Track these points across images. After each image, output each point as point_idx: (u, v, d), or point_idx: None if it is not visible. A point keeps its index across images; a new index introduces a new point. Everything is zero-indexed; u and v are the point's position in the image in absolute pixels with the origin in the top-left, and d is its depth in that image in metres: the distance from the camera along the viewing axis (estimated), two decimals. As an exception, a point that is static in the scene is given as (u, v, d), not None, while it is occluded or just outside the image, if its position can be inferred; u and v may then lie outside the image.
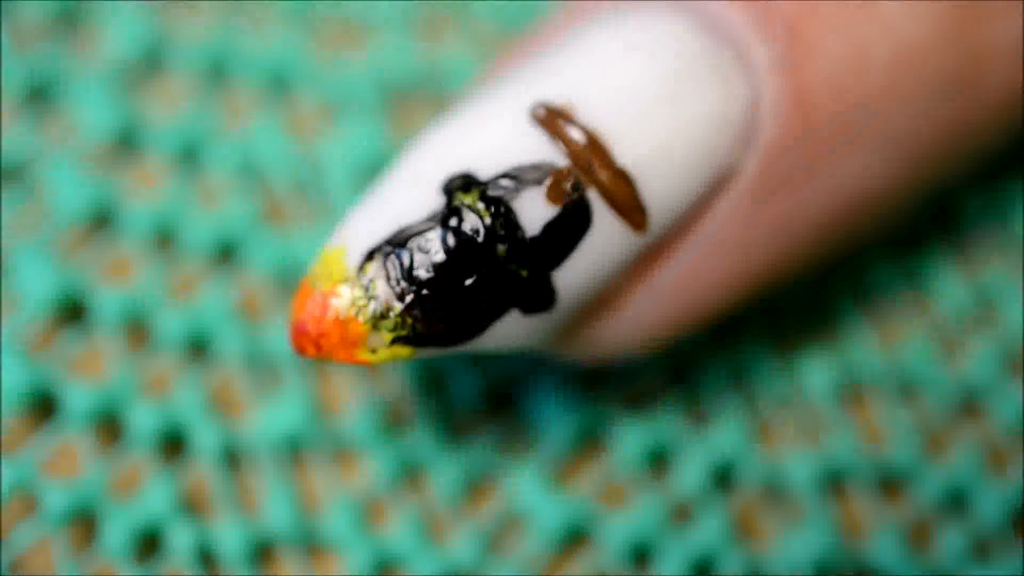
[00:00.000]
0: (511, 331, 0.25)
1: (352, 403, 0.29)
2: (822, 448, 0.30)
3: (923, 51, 0.26)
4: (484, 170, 0.24)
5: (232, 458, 0.29)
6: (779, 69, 0.26)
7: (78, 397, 0.28)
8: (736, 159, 0.26)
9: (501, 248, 0.24)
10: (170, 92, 0.31)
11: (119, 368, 0.29)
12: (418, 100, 0.31)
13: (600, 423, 0.30)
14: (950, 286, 0.31)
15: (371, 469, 0.29)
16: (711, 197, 0.26)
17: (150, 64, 0.31)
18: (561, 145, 0.24)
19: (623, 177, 0.25)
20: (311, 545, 0.28)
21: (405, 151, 0.25)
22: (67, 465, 0.28)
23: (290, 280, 0.30)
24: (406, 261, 0.24)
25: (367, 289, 0.24)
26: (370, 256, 0.24)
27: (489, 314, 0.24)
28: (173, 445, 0.29)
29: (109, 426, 0.28)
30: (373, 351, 0.24)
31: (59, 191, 0.29)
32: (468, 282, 0.24)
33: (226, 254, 0.30)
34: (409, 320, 0.24)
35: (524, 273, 0.24)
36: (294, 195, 0.30)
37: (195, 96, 0.31)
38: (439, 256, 0.24)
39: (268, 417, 0.29)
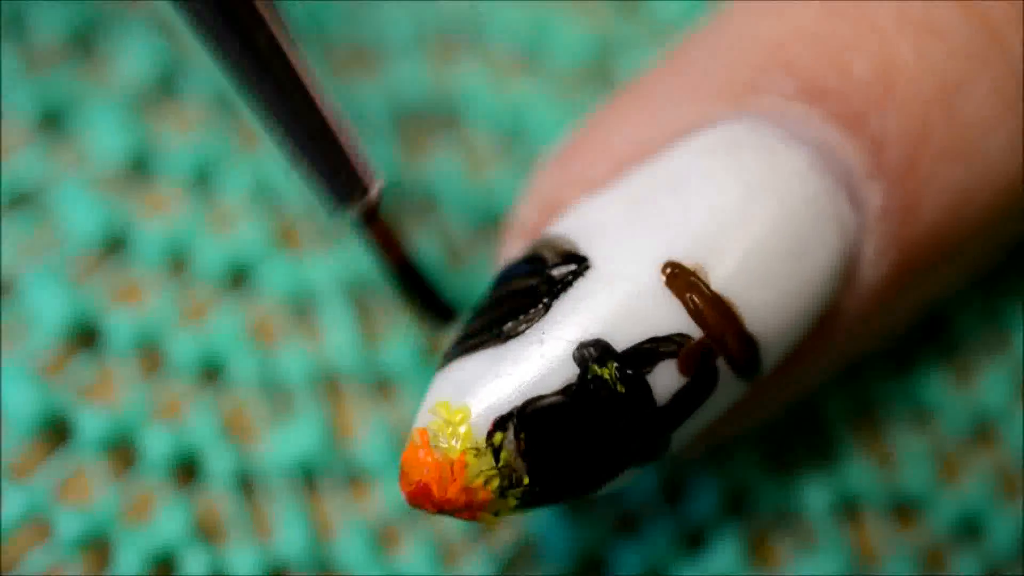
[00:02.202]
0: (622, 480, 0.25)
1: (366, 429, 0.29)
2: (836, 474, 0.30)
3: (1017, 188, 0.26)
4: (619, 341, 0.24)
5: (246, 483, 0.29)
6: (888, 216, 0.26)
7: (91, 422, 0.28)
8: (837, 299, 0.26)
9: (632, 419, 0.24)
10: (183, 116, 0.31)
11: (132, 393, 0.29)
12: (431, 123, 0.31)
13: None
14: (964, 312, 0.31)
15: (385, 495, 0.29)
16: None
17: (163, 89, 0.31)
18: (694, 314, 0.24)
19: (752, 344, 0.24)
20: (325, 571, 0.28)
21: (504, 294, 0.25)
22: (80, 490, 0.28)
23: (303, 304, 0.30)
24: (537, 433, 0.23)
25: (497, 460, 0.23)
26: (498, 423, 0.23)
27: (610, 474, 0.24)
28: (187, 470, 0.28)
29: (122, 451, 0.28)
30: (496, 513, 0.24)
31: (72, 215, 0.29)
32: (596, 450, 0.24)
33: (239, 278, 0.30)
34: (537, 489, 0.24)
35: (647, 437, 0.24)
36: (306, 218, 0.30)
37: (208, 120, 0.31)
38: (572, 430, 0.24)
39: (282, 442, 0.29)
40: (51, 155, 0.30)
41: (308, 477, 0.29)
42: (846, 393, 0.30)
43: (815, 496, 0.30)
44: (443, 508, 0.24)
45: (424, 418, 0.24)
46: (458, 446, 0.23)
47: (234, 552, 0.28)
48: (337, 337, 0.30)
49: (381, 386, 0.30)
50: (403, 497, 0.24)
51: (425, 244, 0.30)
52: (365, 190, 0.23)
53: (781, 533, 0.30)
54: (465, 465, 0.23)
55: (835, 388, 0.30)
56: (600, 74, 0.32)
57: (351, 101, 0.31)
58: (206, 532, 0.28)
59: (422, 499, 0.24)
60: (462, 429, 0.23)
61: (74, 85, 0.30)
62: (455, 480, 0.23)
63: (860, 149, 0.26)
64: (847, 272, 0.26)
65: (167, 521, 0.28)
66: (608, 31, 0.33)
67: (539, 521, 0.29)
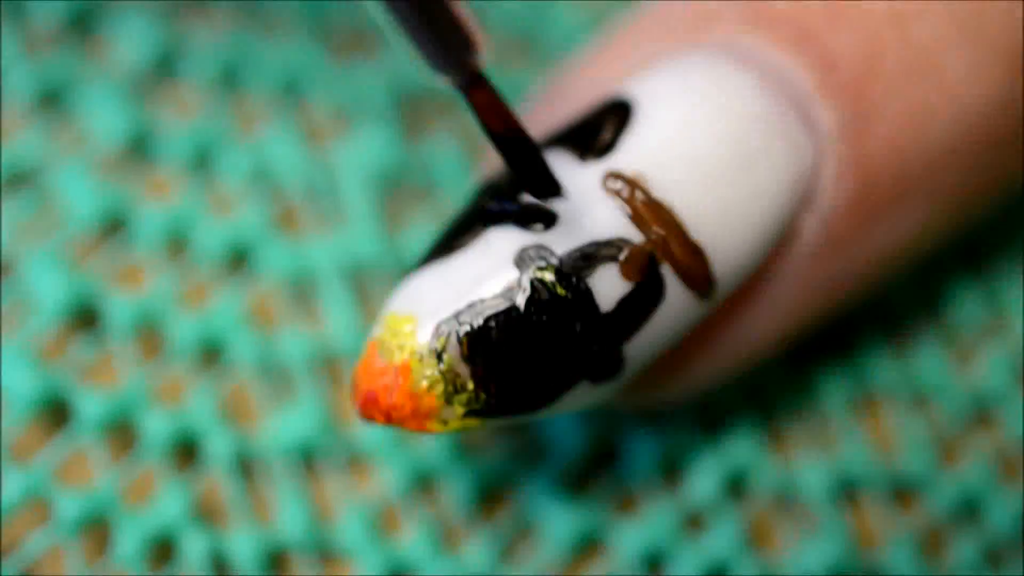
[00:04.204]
0: (578, 399, 0.25)
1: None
2: (835, 457, 0.30)
3: (982, 114, 0.26)
4: (559, 244, 0.24)
5: (245, 466, 0.29)
6: (844, 135, 0.26)
7: (91, 404, 0.28)
8: (796, 220, 0.26)
9: (577, 325, 0.24)
10: (183, 99, 0.31)
11: (132, 375, 0.29)
12: (431, 107, 0.31)
13: (614, 431, 0.30)
14: (963, 295, 0.31)
15: (385, 477, 0.29)
16: (770, 259, 0.26)
17: (163, 70, 0.31)
18: (635, 219, 0.24)
19: (698, 252, 0.24)
20: (324, 553, 0.28)
21: (468, 215, 0.25)
22: (80, 472, 0.28)
23: (303, 287, 0.30)
24: (479, 336, 0.24)
25: (440, 363, 0.24)
26: (441, 329, 0.24)
27: (560, 387, 0.24)
28: (186, 452, 0.28)
29: (122, 433, 0.28)
30: (444, 423, 0.24)
31: (71, 197, 0.29)
32: (542, 358, 0.24)
33: (239, 261, 0.30)
34: (483, 395, 0.24)
35: (596, 347, 0.24)
36: (307, 201, 0.30)
37: (208, 103, 0.31)
38: (515, 334, 0.24)
39: (282, 425, 0.29)
40: (50, 137, 0.30)
41: (308, 459, 0.29)
42: (844, 375, 0.31)
43: (814, 479, 0.30)
44: (391, 416, 0.24)
45: (375, 331, 0.24)
46: (404, 353, 0.24)
47: (234, 534, 0.28)
48: (337, 320, 0.30)
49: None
50: (356, 411, 0.24)
51: (425, 226, 0.31)
52: (472, 52, 0.23)
53: (780, 516, 0.30)
54: (409, 370, 0.24)
55: (833, 369, 0.30)
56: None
57: (351, 84, 0.31)
58: (206, 514, 0.28)
59: (371, 408, 0.24)
60: (407, 337, 0.24)
61: (73, 67, 0.30)
62: (400, 385, 0.24)
63: (811, 69, 0.26)
64: (804, 192, 0.26)
65: (167, 503, 0.28)
66: (606, 16, 0.33)
67: (539, 503, 0.29)
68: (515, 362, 0.24)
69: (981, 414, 0.31)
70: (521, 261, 0.24)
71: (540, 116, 0.27)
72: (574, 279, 0.24)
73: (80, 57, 0.30)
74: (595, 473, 0.30)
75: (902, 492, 0.30)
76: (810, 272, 0.27)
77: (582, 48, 0.29)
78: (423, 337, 0.24)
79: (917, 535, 0.30)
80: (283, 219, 0.30)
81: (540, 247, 0.24)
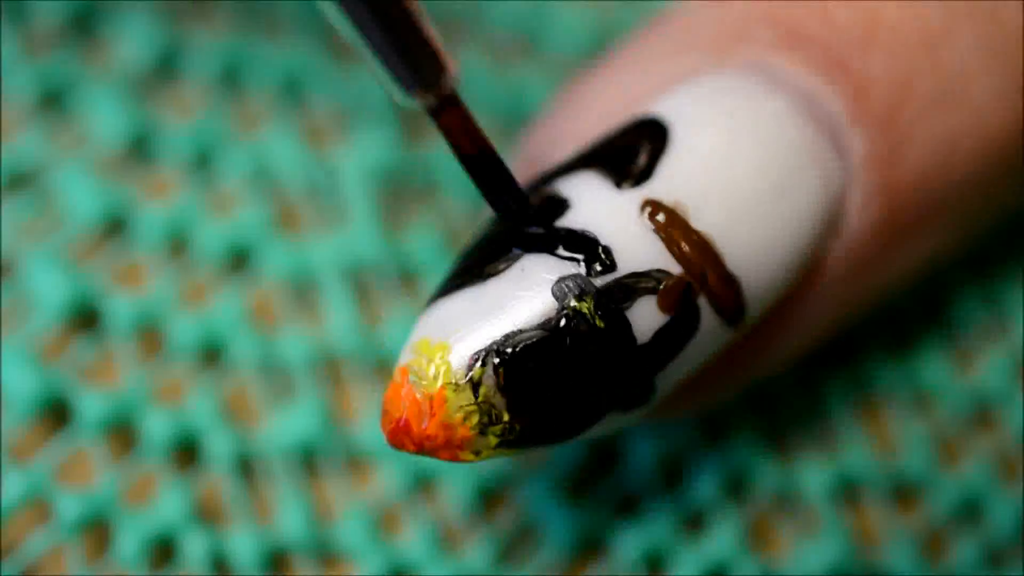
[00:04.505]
0: (607, 426, 0.25)
1: (366, 412, 0.29)
2: (836, 457, 0.30)
3: (1006, 140, 0.27)
4: (597, 274, 0.24)
5: (246, 466, 0.29)
6: (873, 162, 0.26)
7: (91, 404, 0.28)
8: (823, 247, 0.26)
9: (614, 357, 0.24)
10: (183, 99, 0.31)
11: (132, 375, 0.29)
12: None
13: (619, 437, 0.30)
14: (964, 296, 0.31)
15: (385, 478, 0.29)
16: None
17: (163, 71, 0.31)
18: (674, 251, 0.24)
19: (733, 283, 0.24)
20: (325, 554, 0.28)
21: (499, 238, 0.24)
22: (80, 473, 0.28)
23: (303, 287, 0.30)
24: (516, 367, 0.23)
25: (476, 394, 0.23)
26: (477, 358, 0.23)
27: (593, 416, 0.24)
28: (187, 453, 0.28)
29: (122, 433, 0.28)
30: (477, 453, 0.24)
31: (72, 197, 0.29)
32: (577, 389, 0.24)
33: (239, 261, 0.30)
34: (517, 427, 0.24)
35: (630, 378, 0.24)
36: (307, 201, 0.30)
37: (208, 103, 0.31)
38: (551, 365, 0.23)
39: (282, 425, 0.29)
40: (51, 137, 0.30)
41: (308, 460, 0.29)
42: (846, 376, 0.30)
43: (815, 480, 0.30)
44: (423, 446, 0.24)
45: (405, 357, 0.24)
46: (438, 382, 0.23)
47: (234, 535, 0.28)
48: (338, 320, 0.30)
49: (382, 369, 0.30)
50: (385, 437, 0.24)
51: (425, 227, 0.31)
52: (441, 75, 0.23)
53: (781, 517, 0.30)
54: (444, 400, 0.23)
55: (834, 371, 0.30)
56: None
57: (352, 84, 0.31)
58: (206, 514, 0.28)
59: (402, 437, 0.24)
60: (441, 365, 0.23)
61: (74, 67, 0.30)
62: (434, 415, 0.23)
63: (842, 95, 0.26)
64: (832, 219, 0.26)
65: (167, 503, 0.28)
66: (608, 15, 0.33)
67: (539, 504, 0.29)
68: (551, 393, 0.24)
69: (982, 415, 0.31)
70: (559, 291, 0.24)
71: (560, 125, 0.27)
72: (612, 310, 0.24)
73: (81, 58, 0.30)
74: (595, 474, 0.30)
75: (903, 493, 0.30)
76: (831, 294, 0.27)
77: (600, 56, 0.29)
78: (458, 366, 0.23)
79: (918, 536, 0.30)
80: (284, 219, 0.30)
81: (578, 276, 0.24)
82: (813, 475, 0.30)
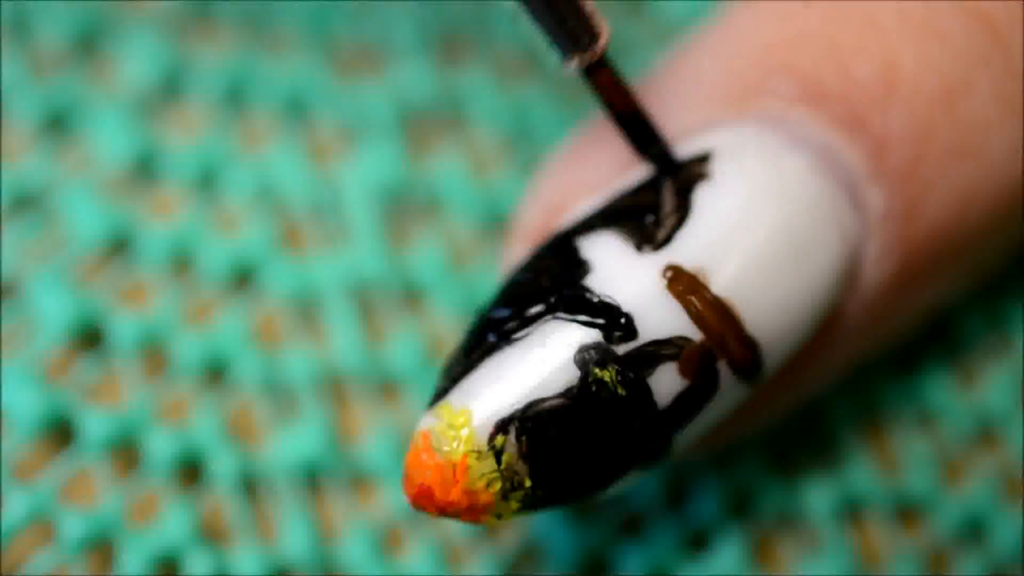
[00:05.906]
0: (626, 483, 0.25)
1: (370, 431, 0.29)
2: (840, 476, 0.30)
3: (1019, 190, 0.27)
4: (620, 345, 0.24)
5: (250, 485, 0.29)
6: (891, 218, 0.26)
7: (95, 423, 0.28)
8: (840, 300, 0.26)
9: (635, 422, 0.24)
10: (188, 118, 0.31)
11: (136, 394, 0.29)
12: (436, 124, 0.31)
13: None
14: (967, 315, 0.31)
15: (389, 496, 0.29)
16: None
17: (168, 90, 0.31)
18: (695, 317, 0.24)
19: (752, 346, 0.25)
20: (329, 573, 0.28)
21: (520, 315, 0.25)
22: (84, 492, 0.28)
23: (308, 305, 0.30)
24: (539, 436, 0.24)
25: (499, 462, 0.24)
26: (500, 426, 0.24)
27: (613, 477, 0.24)
28: (191, 472, 0.28)
29: (127, 452, 0.28)
30: (498, 516, 0.24)
31: (76, 217, 0.29)
32: (599, 454, 0.24)
33: (243, 279, 0.30)
34: (539, 492, 0.24)
35: (651, 440, 0.24)
36: (311, 219, 0.30)
37: (213, 122, 0.31)
38: (573, 432, 0.24)
39: (286, 444, 0.29)
40: (56, 157, 0.30)
41: (312, 479, 0.29)
42: (850, 396, 0.30)
43: (819, 498, 0.30)
44: (445, 511, 0.24)
45: (427, 421, 0.24)
46: (460, 449, 0.24)
47: (238, 554, 0.28)
48: (341, 339, 0.30)
49: (385, 388, 0.30)
50: (407, 500, 0.24)
51: (429, 244, 0.31)
52: (594, 38, 0.25)
53: (785, 535, 0.30)
54: (467, 468, 0.24)
55: (839, 391, 0.30)
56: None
57: (356, 102, 0.31)
58: (210, 534, 0.28)
59: (425, 502, 0.24)
60: (464, 432, 0.24)
61: (79, 88, 0.30)
62: (457, 482, 0.24)
63: (862, 152, 0.26)
64: (849, 275, 0.26)
65: (171, 522, 0.28)
66: (613, 31, 0.33)
67: (543, 523, 0.29)
68: (572, 459, 0.24)
69: (985, 434, 0.31)
70: (580, 359, 0.24)
71: (578, 174, 0.27)
72: (633, 378, 0.24)
73: (85, 78, 0.31)
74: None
75: (907, 511, 0.30)
76: (845, 342, 0.27)
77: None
78: (482, 434, 0.24)
79: (922, 554, 0.30)
80: (288, 237, 0.30)
81: (599, 345, 0.24)
82: (817, 494, 0.30)
